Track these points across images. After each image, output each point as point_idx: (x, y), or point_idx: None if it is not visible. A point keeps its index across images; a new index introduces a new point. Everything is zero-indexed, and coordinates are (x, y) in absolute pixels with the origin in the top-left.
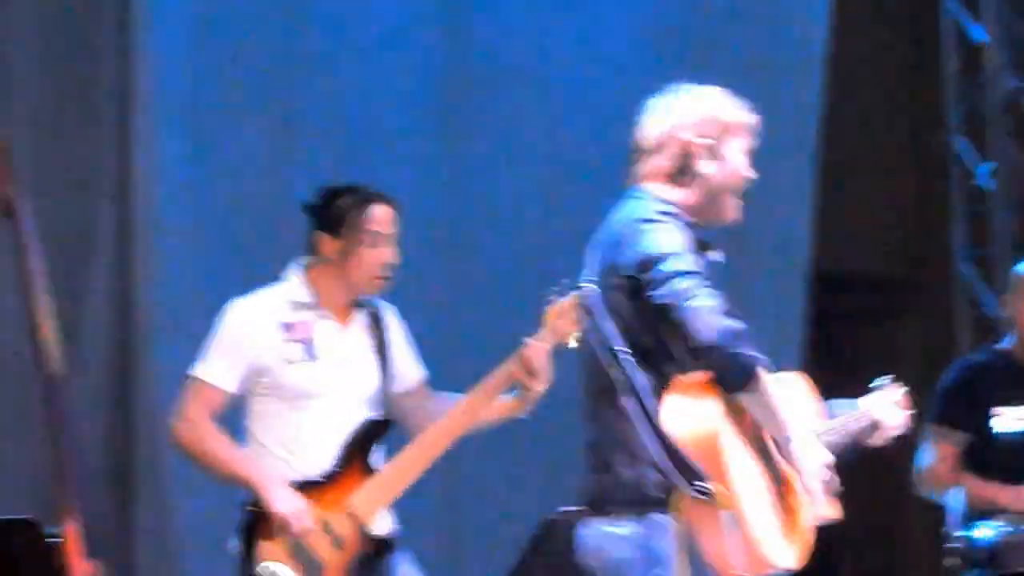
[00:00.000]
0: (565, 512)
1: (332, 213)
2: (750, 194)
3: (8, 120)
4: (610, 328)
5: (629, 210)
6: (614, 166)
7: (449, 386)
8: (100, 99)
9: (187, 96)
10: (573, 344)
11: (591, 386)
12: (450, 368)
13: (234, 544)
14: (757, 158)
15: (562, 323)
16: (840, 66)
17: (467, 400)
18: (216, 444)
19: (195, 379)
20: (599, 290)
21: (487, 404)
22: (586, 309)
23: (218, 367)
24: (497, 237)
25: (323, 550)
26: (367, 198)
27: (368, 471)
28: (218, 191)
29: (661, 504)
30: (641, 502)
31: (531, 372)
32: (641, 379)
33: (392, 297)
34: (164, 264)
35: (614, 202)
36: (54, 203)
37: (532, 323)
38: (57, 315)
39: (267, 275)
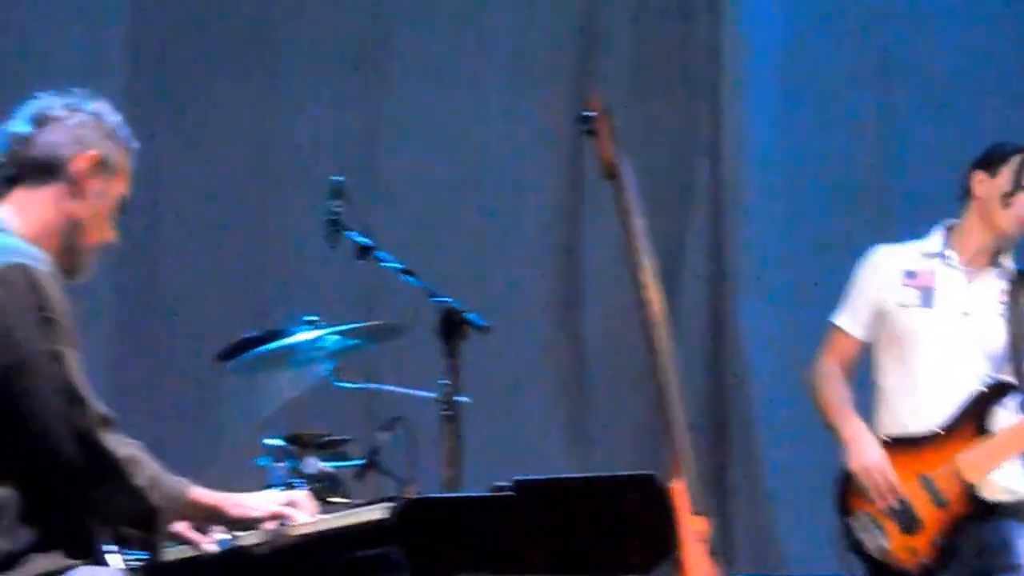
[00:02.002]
0: None
1: (992, 153)
2: None
3: (603, 82)
4: None
5: None
6: None
7: None
8: (693, 57)
9: (778, 54)
10: None
11: None
12: None
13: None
14: None
15: None
16: None
17: None
18: (829, 393)
19: (832, 326)
20: None
21: None
22: None
23: (849, 315)
24: None
25: (922, 507)
26: None
27: (981, 432)
28: (805, 149)
29: None
30: None
31: None
32: None
33: None
34: (751, 223)
35: None
36: (651, 162)
37: None
38: (658, 274)
39: (853, 238)
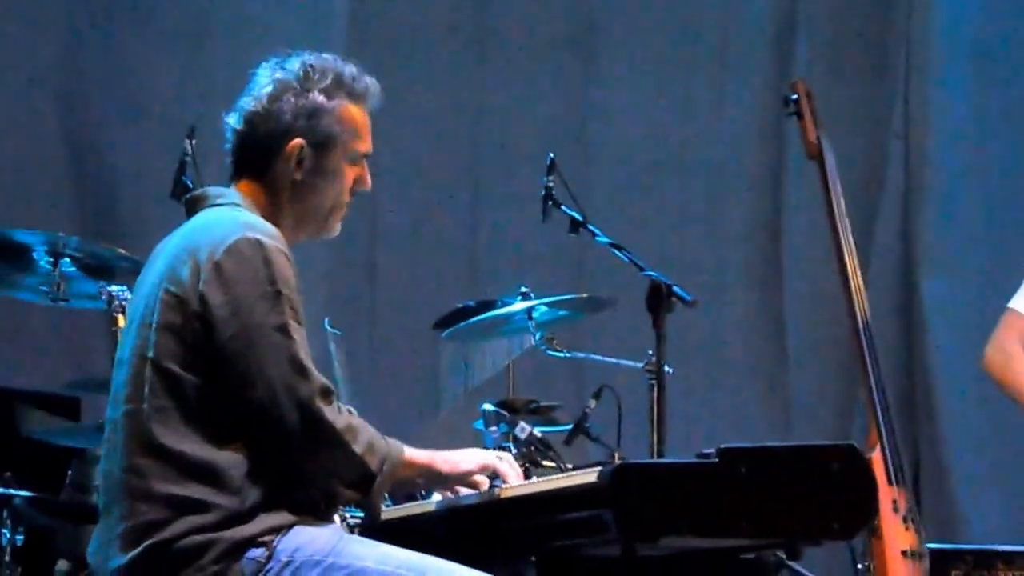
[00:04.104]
0: None
1: None
2: None
3: (802, 65)
4: None
5: None
6: None
7: None
8: (888, 41)
9: (970, 35)
10: None
11: None
12: None
13: None
14: None
15: None
16: None
17: None
18: (1019, 373)
19: (1012, 311)
20: None
21: None
22: None
23: None
24: None
25: None
26: None
27: None
28: (997, 133)
29: None
30: None
31: None
32: None
33: None
34: (941, 203)
35: None
36: (845, 144)
37: None
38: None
39: None
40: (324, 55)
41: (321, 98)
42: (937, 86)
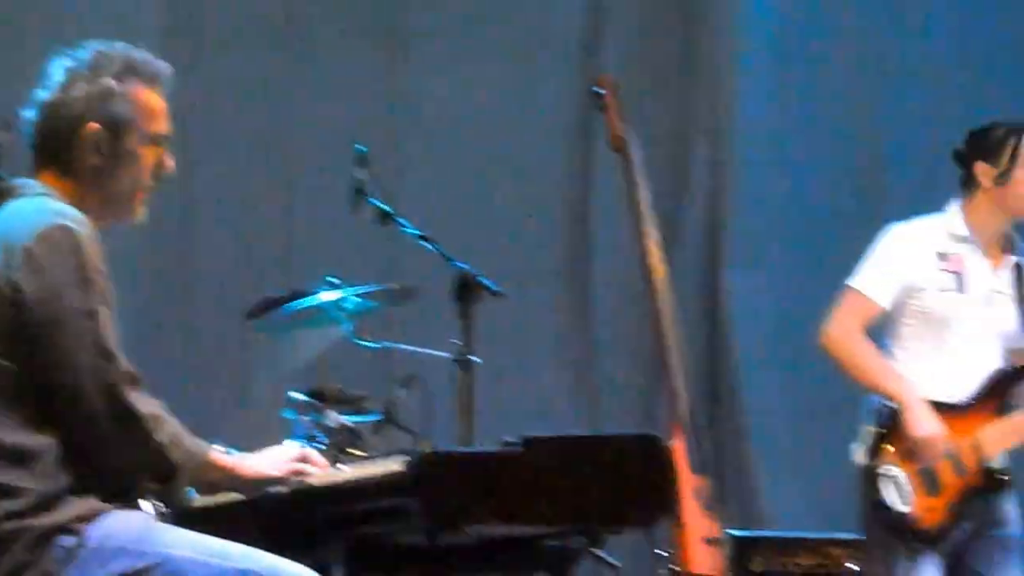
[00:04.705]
0: None
1: (988, 142)
2: None
3: (608, 58)
4: None
5: None
6: None
7: None
8: (694, 35)
9: (775, 33)
10: None
11: None
12: None
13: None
14: None
15: None
16: None
17: None
18: (866, 354)
19: (852, 290)
20: None
21: None
22: None
23: (875, 281)
24: None
25: (944, 472)
26: (1021, 126)
27: (1002, 412)
28: (799, 128)
29: None
30: None
31: None
32: None
33: None
34: (746, 196)
35: None
36: (652, 137)
37: None
38: (660, 242)
39: (846, 208)
40: (115, 43)
41: (112, 82)
42: (740, 81)
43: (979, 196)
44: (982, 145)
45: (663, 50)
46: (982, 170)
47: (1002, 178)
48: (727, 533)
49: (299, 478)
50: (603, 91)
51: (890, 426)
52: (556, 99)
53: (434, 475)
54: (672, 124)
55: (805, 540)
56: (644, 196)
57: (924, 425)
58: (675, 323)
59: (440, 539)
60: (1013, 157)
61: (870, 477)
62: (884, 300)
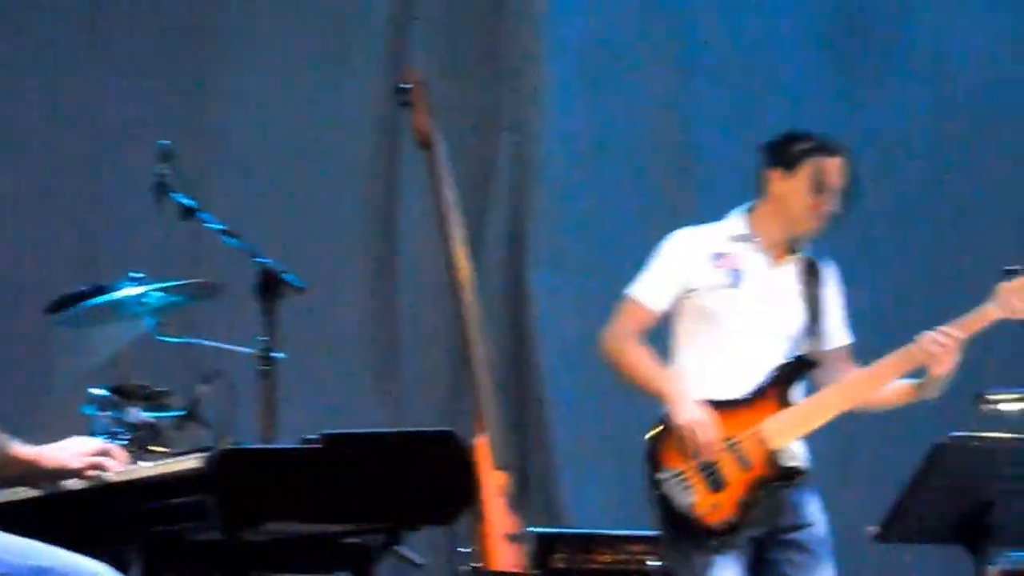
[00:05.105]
0: (956, 437)
1: (789, 154)
2: None
3: (415, 54)
4: None
5: None
6: None
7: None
8: (501, 32)
9: (583, 32)
10: None
11: None
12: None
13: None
14: None
15: (1018, 302)
16: None
17: (878, 368)
18: (637, 356)
19: (628, 298)
20: None
21: (891, 379)
22: None
23: (650, 288)
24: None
25: (728, 468)
26: (826, 147)
27: (784, 403)
28: (606, 127)
29: None
30: None
31: (936, 358)
32: None
33: None
34: (552, 195)
35: None
36: (458, 134)
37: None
38: (466, 240)
39: (652, 208)
40: None
41: None
42: (547, 79)
43: (768, 205)
44: (781, 154)
45: (470, 47)
46: (774, 178)
47: (792, 194)
48: (530, 530)
49: (97, 472)
50: (409, 87)
51: (665, 427)
52: (363, 95)
53: (232, 472)
54: (478, 121)
55: (606, 537)
56: (450, 194)
57: (687, 413)
58: (480, 321)
59: (239, 536)
60: (810, 175)
61: (650, 480)
62: (659, 305)
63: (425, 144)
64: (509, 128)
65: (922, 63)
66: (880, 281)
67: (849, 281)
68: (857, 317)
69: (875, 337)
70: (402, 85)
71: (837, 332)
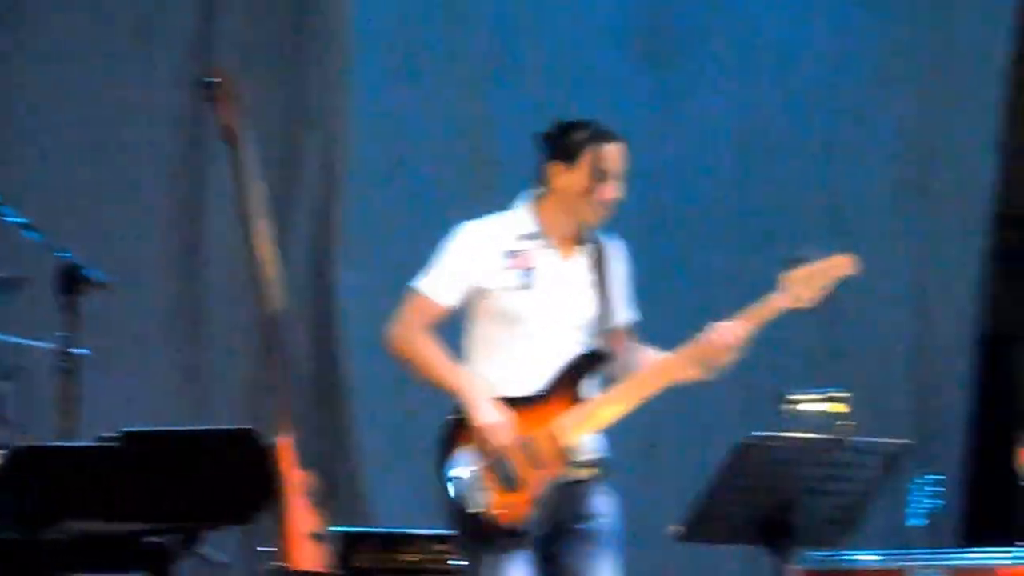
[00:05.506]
0: (757, 437)
1: (567, 145)
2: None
3: (220, 48)
4: None
5: None
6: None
7: (641, 321)
8: (307, 26)
9: (390, 32)
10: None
11: None
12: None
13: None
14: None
15: (801, 289)
16: None
17: (667, 361)
18: (429, 353)
19: (416, 292)
20: None
21: (687, 369)
22: None
23: (439, 283)
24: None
25: (520, 466)
26: (601, 135)
27: (576, 399)
28: (419, 124)
29: None
30: None
31: (725, 349)
32: None
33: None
34: (357, 193)
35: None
36: (265, 130)
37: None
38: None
39: (460, 206)
40: None
41: None
42: (352, 76)
43: (552, 197)
44: (559, 146)
45: (276, 40)
46: (556, 171)
47: (575, 186)
48: (333, 529)
49: None
50: (215, 81)
51: (459, 423)
52: (170, 89)
53: (28, 470)
54: (285, 116)
55: (409, 536)
56: (256, 190)
57: (485, 417)
58: (286, 318)
59: (36, 535)
60: (590, 165)
61: (443, 478)
62: (447, 299)
63: (231, 139)
64: (316, 123)
65: (731, 59)
66: (687, 274)
67: (656, 273)
68: (659, 309)
69: (681, 330)
70: (208, 80)
71: (619, 310)
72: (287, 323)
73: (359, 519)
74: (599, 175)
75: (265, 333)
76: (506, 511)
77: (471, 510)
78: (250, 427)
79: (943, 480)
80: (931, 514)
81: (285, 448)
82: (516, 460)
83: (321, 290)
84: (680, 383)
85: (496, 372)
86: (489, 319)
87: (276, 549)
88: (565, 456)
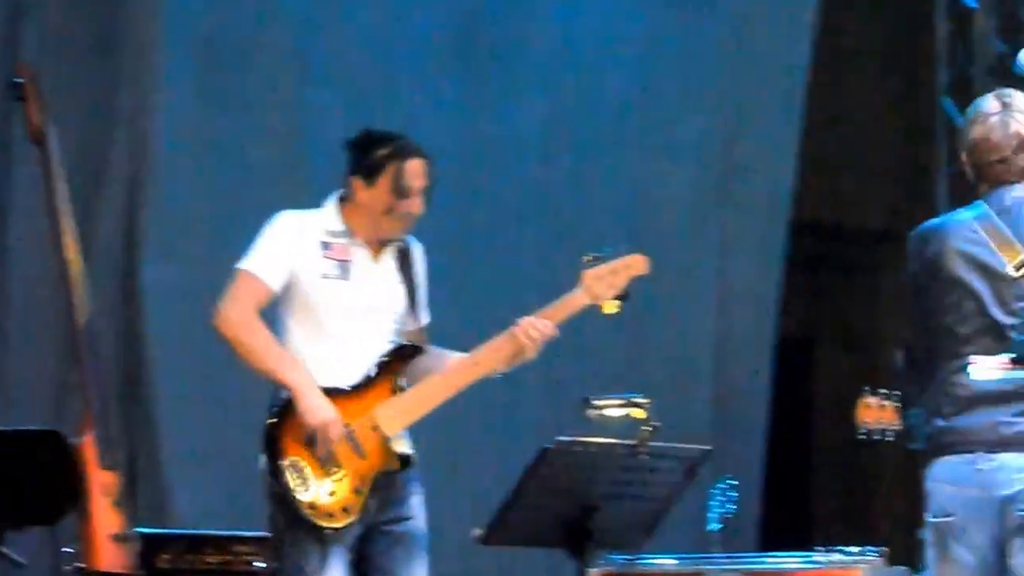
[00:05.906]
0: (561, 441)
1: (369, 162)
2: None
3: (29, 46)
4: None
5: None
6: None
7: (452, 321)
8: (116, 22)
9: (198, 24)
10: (611, 310)
11: None
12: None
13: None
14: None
15: (600, 287)
16: (833, 28)
17: (475, 355)
18: (261, 338)
19: (244, 271)
20: None
21: (495, 363)
22: None
23: (264, 264)
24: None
25: (344, 457)
26: (403, 151)
27: (395, 390)
28: (227, 122)
29: None
30: None
31: (532, 343)
32: None
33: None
34: (163, 188)
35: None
36: (72, 129)
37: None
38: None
39: (271, 208)
40: None
41: None
42: (159, 71)
43: (355, 207)
44: (360, 162)
45: (84, 36)
46: (358, 186)
47: (376, 201)
48: (136, 530)
49: None
50: (22, 81)
51: (284, 414)
52: None
53: None
54: (94, 114)
55: (213, 538)
56: (62, 189)
57: (317, 410)
58: (90, 317)
59: None
60: (391, 181)
61: (269, 469)
62: (274, 282)
63: (37, 139)
64: (124, 121)
65: (542, 66)
66: (494, 280)
67: (465, 280)
68: (466, 308)
69: (489, 327)
70: (15, 80)
71: (423, 310)
72: (93, 324)
73: (163, 520)
74: (400, 191)
75: (71, 334)
76: (330, 502)
77: (299, 502)
78: (56, 428)
79: (736, 485)
80: (725, 518)
81: (88, 448)
82: (341, 451)
83: (127, 288)
84: (484, 378)
85: (310, 360)
86: (302, 308)
87: (78, 550)
88: (386, 447)
